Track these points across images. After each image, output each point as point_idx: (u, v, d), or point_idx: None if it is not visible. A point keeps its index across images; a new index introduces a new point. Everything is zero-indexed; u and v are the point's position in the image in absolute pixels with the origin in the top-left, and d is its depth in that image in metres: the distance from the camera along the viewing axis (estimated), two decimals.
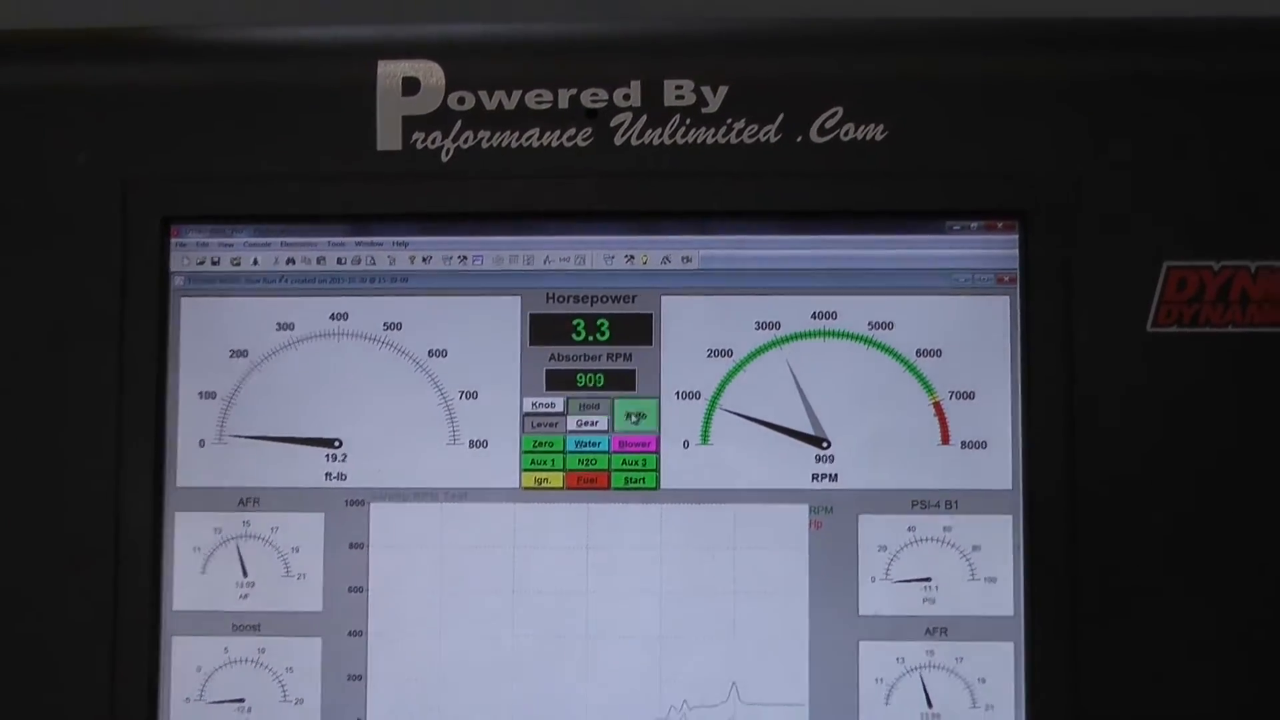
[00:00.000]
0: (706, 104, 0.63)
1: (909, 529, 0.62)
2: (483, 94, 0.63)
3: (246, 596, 0.62)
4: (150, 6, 0.72)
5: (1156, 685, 0.60)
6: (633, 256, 0.63)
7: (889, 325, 0.63)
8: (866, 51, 0.64)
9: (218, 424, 0.63)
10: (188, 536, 0.63)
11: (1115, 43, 0.63)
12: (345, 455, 0.63)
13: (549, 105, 0.63)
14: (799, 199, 0.62)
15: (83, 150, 0.62)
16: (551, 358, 0.63)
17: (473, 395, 0.63)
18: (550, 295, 0.63)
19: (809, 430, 0.62)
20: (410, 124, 0.63)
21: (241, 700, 0.62)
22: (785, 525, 0.62)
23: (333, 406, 0.63)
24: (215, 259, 0.64)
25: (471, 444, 0.63)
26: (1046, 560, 0.61)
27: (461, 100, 0.63)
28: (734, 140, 0.62)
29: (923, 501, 0.62)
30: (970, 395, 0.62)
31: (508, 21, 0.65)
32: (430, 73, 0.63)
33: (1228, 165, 0.62)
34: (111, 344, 0.62)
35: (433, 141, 0.63)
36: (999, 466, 0.62)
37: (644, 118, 0.63)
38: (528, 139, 0.63)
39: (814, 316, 0.63)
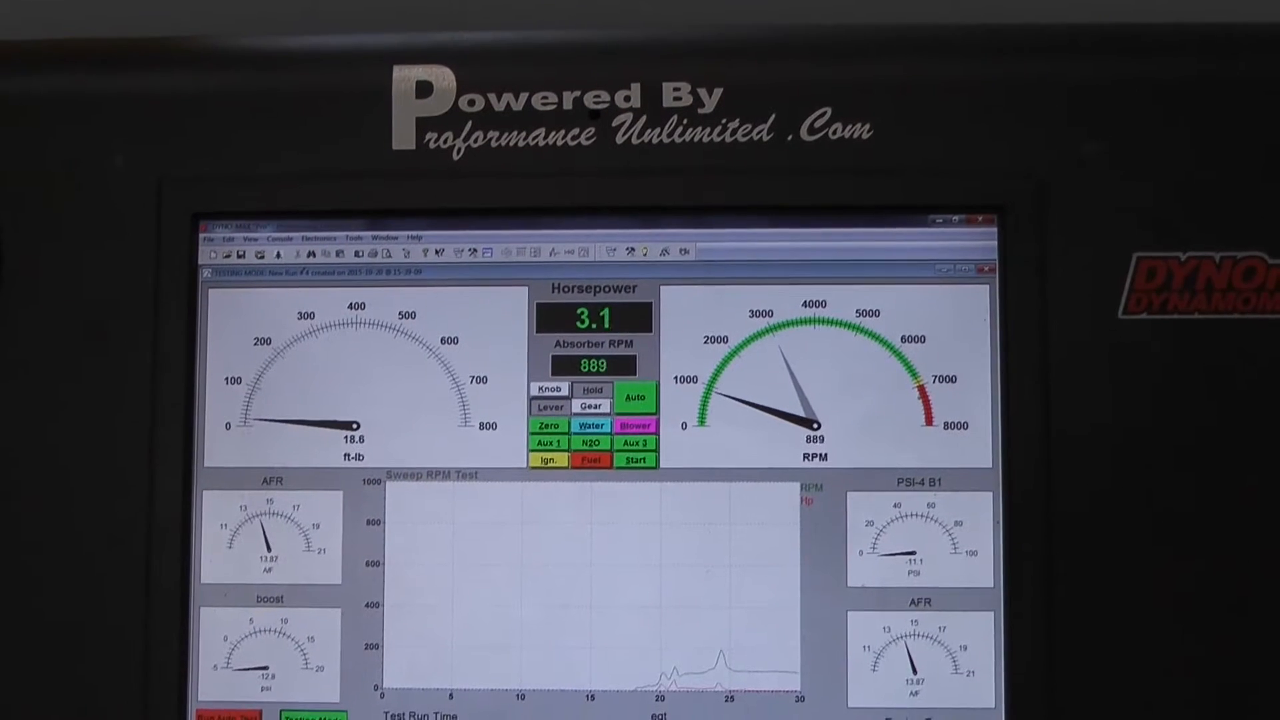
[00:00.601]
0: (703, 105, 0.64)
1: (895, 505, 0.64)
2: (492, 96, 0.64)
3: (270, 570, 0.64)
4: (182, 18, 0.73)
5: (1130, 654, 0.62)
6: (633, 249, 0.65)
7: (876, 313, 0.64)
8: (853, 56, 0.65)
9: (243, 408, 0.65)
10: (215, 513, 0.64)
11: (1088, 47, 0.65)
12: (363, 437, 0.64)
13: (554, 106, 0.64)
14: (790, 194, 0.64)
15: (119, 152, 0.64)
16: (557, 344, 0.65)
17: (483, 380, 0.65)
18: (556, 285, 0.65)
19: (800, 412, 0.64)
20: (424, 125, 0.64)
21: (266, 668, 0.64)
22: (778, 502, 0.64)
23: (351, 391, 0.65)
24: (241, 252, 0.66)
25: (481, 426, 0.64)
26: (1024, 534, 0.62)
27: (472, 102, 0.64)
28: (729, 139, 0.64)
29: (908, 479, 0.64)
30: (952, 379, 0.64)
31: (515, 28, 0.67)
32: (442, 77, 0.65)
33: (1194, 161, 0.63)
34: (145, 332, 0.64)
35: (445, 141, 0.64)
36: (980, 446, 0.64)
37: (644, 118, 0.64)
38: (534, 138, 0.64)
39: (805, 305, 0.64)
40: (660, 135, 0.64)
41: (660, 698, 0.63)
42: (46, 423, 0.64)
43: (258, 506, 0.65)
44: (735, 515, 0.64)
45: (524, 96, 0.65)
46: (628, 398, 0.65)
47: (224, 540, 0.65)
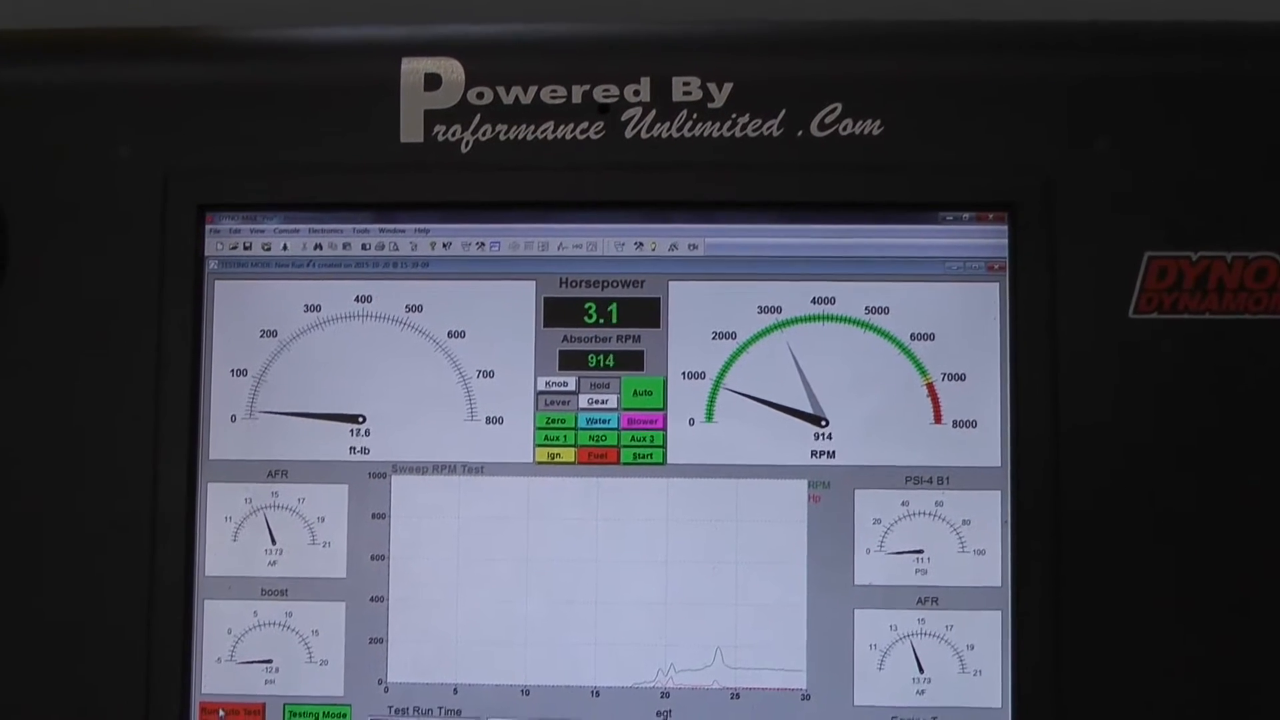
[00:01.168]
0: (713, 100, 0.64)
1: (902, 503, 0.63)
2: (500, 89, 0.64)
3: (275, 563, 0.64)
4: (190, 9, 0.73)
5: (1137, 653, 0.62)
6: (642, 244, 0.65)
7: (885, 310, 0.64)
8: (864, 51, 0.65)
9: (249, 400, 0.65)
10: (220, 506, 0.64)
11: (1101, 45, 0.65)
12: (368, 430, 0.64)
13: (563, 100, 0.64)
14: (800, 190, 0.64)
15: (126, 144, 0.64)
16: (564, 339, 0.64)
17: (489, 374, 0.64)
18: (563, 280, 0.65)
19: (808, 409, 0.64)
20: (432, 117, 0.64)
21: (270, 661, 0.64)
22: (785, 499, 0.64)
23: (357, 384, 0.64)
24: (247, 244, 0.65)
25: (488, 420, 0.64)
26: (1032, 534, 0.62)
27: (480, 95, 0.64)
28: (738, 134, 0.64)
29: (916, 477, 0.63)
30: (961, 377, 0.64)
31: (524, 21, 0.67)
32: (451, 69, 0.64)
33: (1206, 161, 0.63)
34: (150, 324, 0.64)
35: (453, 134, 0.64)
36: (988, 445, 0.63)
37: (653, 112, 0.64)
38: (543, 132, 0.64)
39: (814, 301, 0.64)
40: (670, 130, 0.64)
41: (665, 694, 0.63)
42: (51, 415, 0.64)
43: (262, 499, 0.64)
44: (742, 512, 0.64)
45: (533, 90, 0.64)
46: (635, 393, 0.64)
47: (228, 533, 0.64)
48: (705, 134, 0.64)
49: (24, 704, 0.63)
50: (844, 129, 0.64)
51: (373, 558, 0.64)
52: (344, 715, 0.64)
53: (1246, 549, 0.62)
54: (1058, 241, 0.63)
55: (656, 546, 0.64)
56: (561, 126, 0.64)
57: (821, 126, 0.64)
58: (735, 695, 0.63)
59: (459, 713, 0.64)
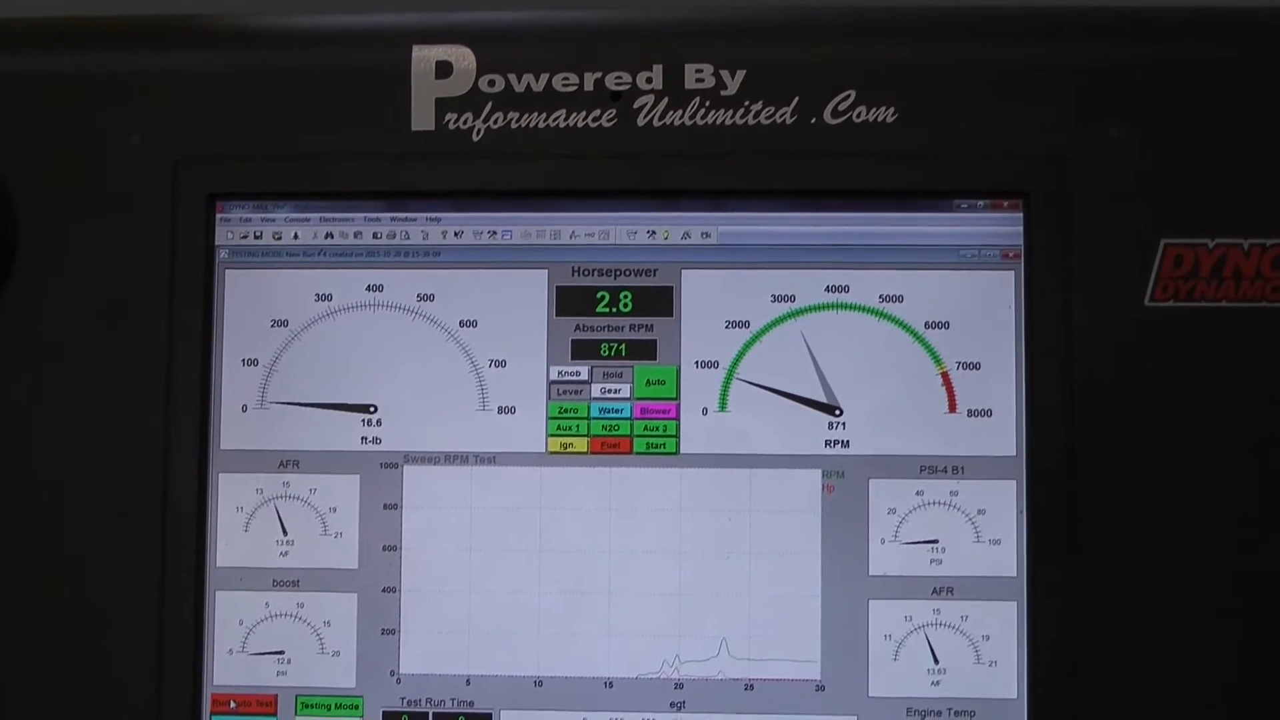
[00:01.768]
0: (725, 87, 0.64)
1: (917, 493, 0.63)
2: (512, 77, 0.64)
3: (286, 554, 0.64)
4: None
5: (1153, 644, 0.61)
6: (654, 232, 0.65)
7: (899, 298, 0.64)
8: (878, 37, 0.65)
9: (260, 390, 0.64)
10: (231, 496, 0.64)
11: (1116, 30, 0.65)
12: (380, 420, 0.64)
13: (575, 88, 0.64)
14: (813, 178, 0.63)
15: (136, 131, 0.64)
16: (577, 328, 0.64)
17: (501, 364, 0.64)
18: (576, 269, 0.65)
19: (822, 398, 0.64)
20: (443, 105, 0.64)
21: (281, 652, 0.64)
22: (799, 489, 0.63)
23: (368, 374, 0.64)
24: (258, 233, 0.65)
25: (500, 410, 0.64)
26: (1048, 524, 0.62)
27: (492, 83, 0.64)
28: (751, 122, 0.64)
29: (930, 467, 0.63)
30: (976, 366, 0.63)
31: (536, 8, 0.66)
32: (462, 57, 0.64)
33: (1223, 147, 0.63)
34: (160, 314, 0.63)
35: (464, 122, 0.64)
36: (1003, 434, 0.63)
37: (665, 100, 0.64)
38: (555, 120, 0.64)
39: (827, 290, 0.64)
40: (682, 117, 0.64)
41: (679, 685, 0.63)
42: (62, 405, 0.64)
43: (274, 490, 0.64)
44: (756, 502, 0.64)
45: (545, 77, 0.64)
46: (648, 382, 0.64)
47: (240, 523, 0.64)
48: (718, 122, 0.64)
49: (36, 695, 0.63)
50: (857, 116, 0.64)
51: (385, 548, 0.64)
52: (356, 706, 0.64)
53: (1265, 540, 0.62)
54: (1073, 229, 0.63)
55: (669, 537, 0.64)
56: (573, 114, 0.64)
57: (835, 114, 0.64)
58: (749, 686, 0.63)
59: (471, 704, 0.63)
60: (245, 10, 0.68)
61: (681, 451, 0.64)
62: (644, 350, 0.64)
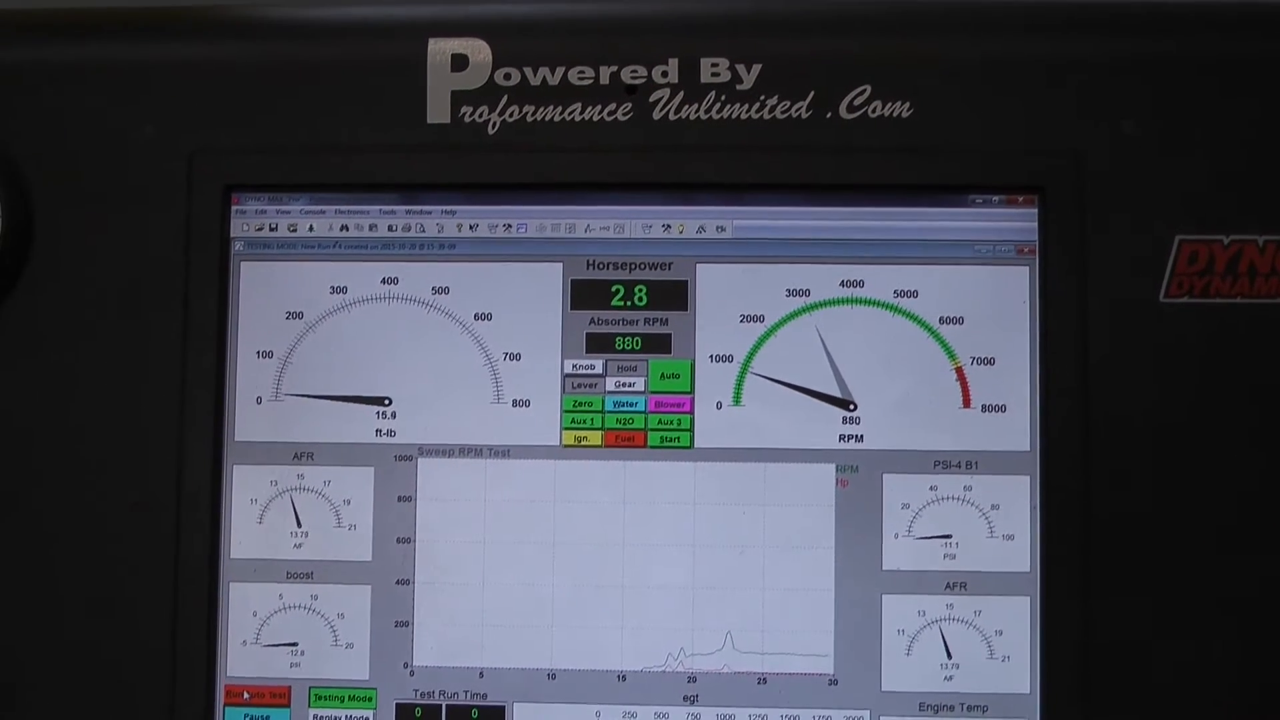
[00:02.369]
0: (741, 81, 0.64)
1: (931, 488, 0.63)
2: (528, 70, 0.64)
3: (300, 546, 0.64)
4: None
5: (1166, 640, 0.61)
6: (669, 226, 0.65)
7: (914, 293, 0.64)
8: (893, 32, 0.65)
9: (274, 382, 0.64)
10: (245, 488, 0.64)
11: (1131, 25, 0.65)
12: (395, 413, 0.64)
13: (591, 81, 0.64)
14: (828, 173, 0.63)
15: (151, 123, 0.64)
16: (591, 321, 0.64)
17: (516, 357, 0.64)
18: (591, 262, 0.64)
19: (836, 393, 0.64)
20: (459, 98, 0.64)
21: (295, 644, 0.64)
22: (813, 483, 0.63)
23: (383, 366, 0.64)
24: (273, 225, 0.65)
25: (515, 403, 0.64)
26: (1062, 519, 0.62)
27: (508, 76, 0.64)
28: (767, 116, 0.64)
29: (944, 462, 0.63)
30: (991, 361, 0.63)
31: (552, 2, 0.66)
32: (478, 50, 0.64)
33: (1238, 143, 0.63)
34: (175, 305, 0.63)
35: (480, 115, 0.64)
36: (1017, 429, 0.63)
37: (681, 94, 0.64)
38: (570, 113, 0.64)
39: (842, 284, 0.64)
40: (698, 111, 0.64)
41: (692, 679, 0.63)
42: (76, 396, 0.64)
43: (288, 482, 0.64)
44: (769, 496, 0.64)
45: (560, 71, 0.64)
46: (662, 376, 0.64)
47: (254, 515, 0.64)
48: (733, 116, 0.64)
49: (50, 687, 0.63)
50: (873, 111, 0.64)
51: (399, 540, 0.64)
52: (369, 698, 0.64)
53: (1277, 534, 0.62)
54: (1088, 225, 0.63)
55: (683, 530, 0.64)
56: (589, 108, 0.64)
57: (850, 108, 0.64)
58: (762, 680, 0.63)
59: (485, 696, 0.63)
60: (261, 2, 0.68)
61: (695, 445, 0.64)
62: (658, 344, 0.64)
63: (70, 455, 0.63)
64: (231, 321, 0.65)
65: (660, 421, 0.64)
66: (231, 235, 0.65)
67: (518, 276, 0.65)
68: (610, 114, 0.64)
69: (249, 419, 0.65)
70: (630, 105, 0.64)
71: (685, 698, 0.63)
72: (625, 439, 0.64)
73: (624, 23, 0.66)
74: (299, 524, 0.64)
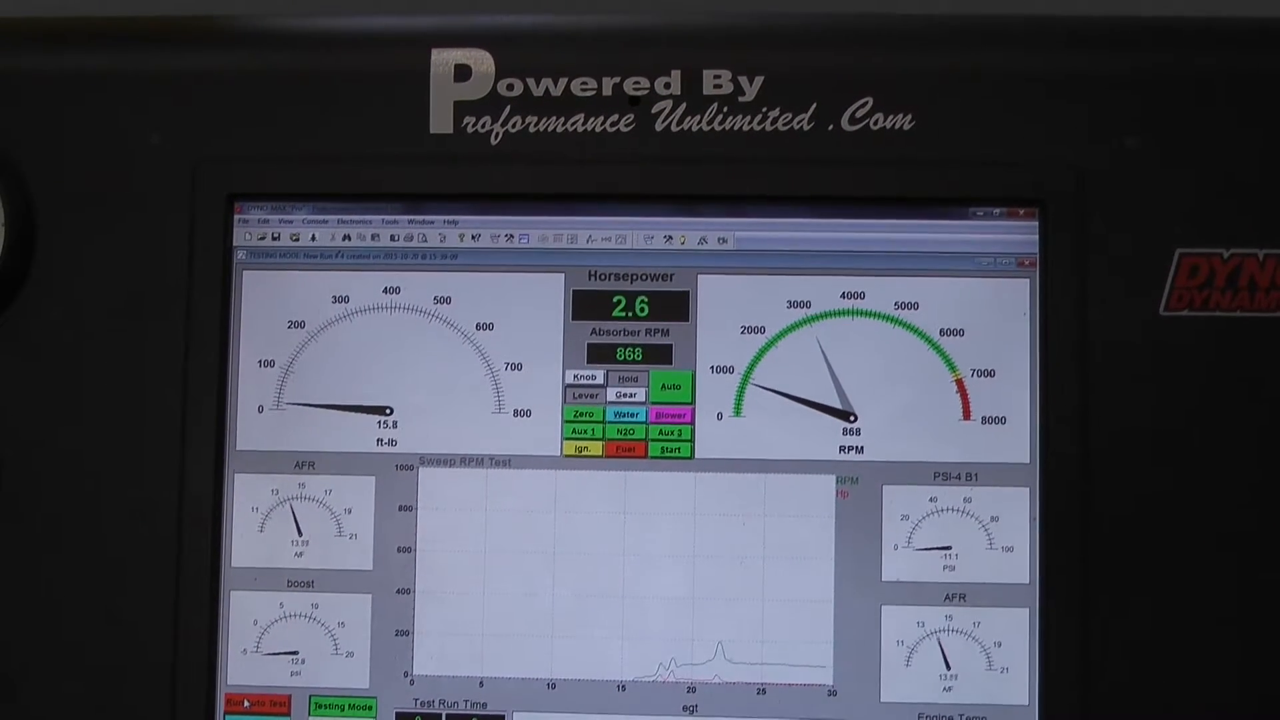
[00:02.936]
0: (743, 93, 0.64)
1: (931, 499, 0.63)
2: (530, 81, 0.64)
3: (301, 555, 0.64)
4: None
5: (1166, 652, 0.61)
6: (671, 237, 0.65)
7: (914, 305, 0.64)
8: (896, 45, 0.65)
9: (276, 391, 0.65)
10: (247, 497, 0.64)
11: (1132, 41, 0.65)
12: (396, 422, 0.64)
13: (593, 92, 0.64)
14: (830, 184, 0.64)
15: (156, 132, 0.64)
16: (593, 332, 0.64)
17: (517, 367, 0.64)
18: (592, 273, 0.65)
19: (837, 404, 0.64)
20: (461, 109, 0.64)
21: (295, 652, 0.64)
22: (813, 494, 0.63)
23: (384, 376, 0.64)
24: (276, 234, 0.65)
25: (516, 413, 0.64)
26: (1061, 531, 0.62)
27: (510, 87, 0.64)
28: (769, 128, 0.64)
29: (944, 473, 0.63)
30: (991, 373, 0.64)
31: (555, 13, 0.66)
32: (481, 60, 0.64)
33: (1238, 158, 0.63)
34: (178, 314, 0.63)
35: (483, 125, 0.64)
36: (1017, 441, 0.63)
37: (684, 105, 0.64)
38: (573, 124, 0.64)
39: (843, 296, 0.64)
40: (700, 123, 0.64)
41: (692, 689, 0.63)
42: (79, 403, 0.64)
43: (289, 490, 0.64)
44: (770, 507, 0.64)
45: (563, 82, 0.64)
46: (663, 387, 0.64)
47: (255, 524, 0.64)
48: (736, 127, 0.64)
49: (52, 694, 0.63)
50: (875, 123, 0.64)
51: (399, 550, 0.64)
52: (369, 707, 0.64)
53: (1274, 547, 0.62)
54: (1088, 238, 0.63)
55: (683, 541, 0.64)
56: (591, 119, 0.64)
57: (852, 120, 0.64)
58: (761, 690, 0.63)
59: (484, 706, 0.63)
60: (265, 12, 0.68)
61: (696, 456, 0.64)
62: (660, 355, 0.64)
63: (73, 462, 0.63)
64: (233, 330, 0.65)
65: (661, 432, 0.64)
66: (234, 244, 0.65)
67: (519, 286, 0.65)
68: (613, 125, 0.64)
69: (250, 428, 0.65)
70: (633, 116, 0.64)
71: (685, 708, 0.63)
72: (626, 449, 0.64)
73: (627, 34, 0.66)
74: (300, 533, 0.64)
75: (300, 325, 0.65)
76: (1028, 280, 0.64)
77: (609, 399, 0.64)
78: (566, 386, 0.64)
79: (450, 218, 0.65)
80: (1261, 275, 0.63)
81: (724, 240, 0.65)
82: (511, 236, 0.65)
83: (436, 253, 0.65)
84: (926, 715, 0.63)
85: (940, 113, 0.64)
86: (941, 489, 0.63)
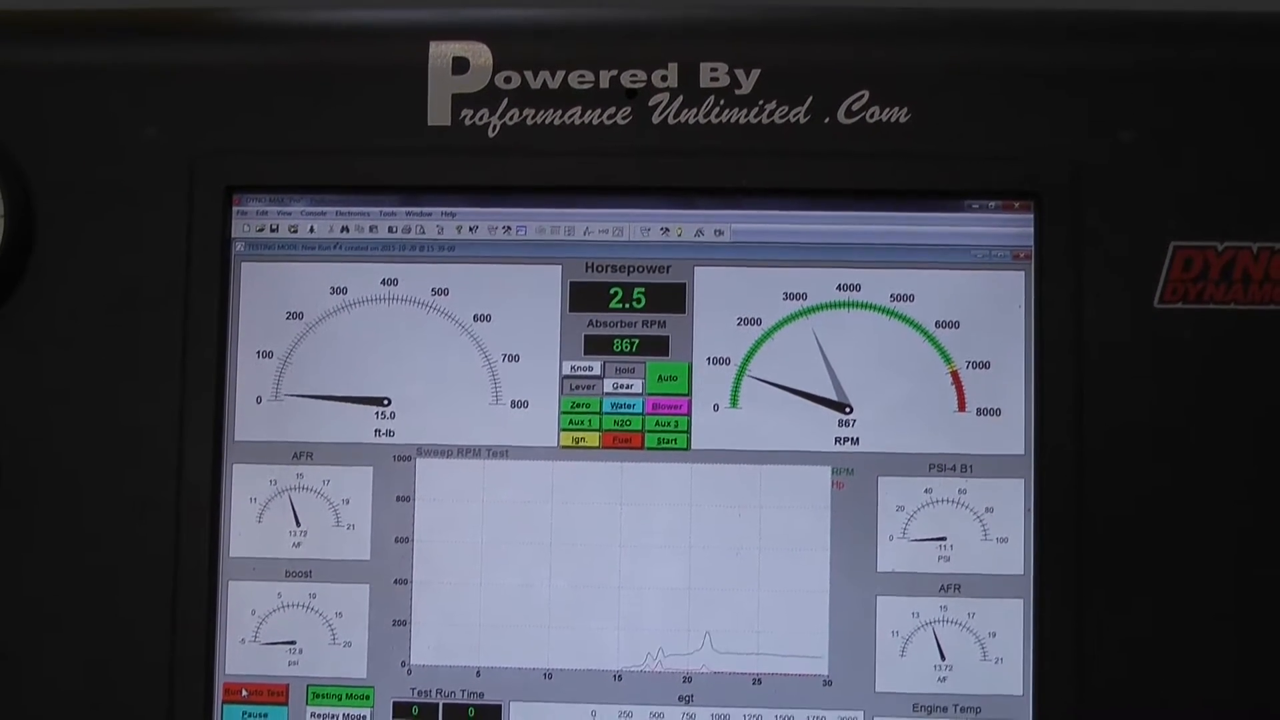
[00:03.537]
0: (740, 86, 0.64)
1: (926, 491, 0.63)
2: (528, 74, 0.64)
3: (299, 545, 0.64)
4: None
5: (1160, 643, 0.62)
6: (668, 229, 0.65)
7: (910, 298, 0.64)
8: (892, 38, 0.65)
9: (274, 382, 0.65)
10: (245, 487, 0.64)
11: (1127, 34, 0.65)
12: (394, 413, 0.64)
13: (590, 85, 0.64)
14: (826, 177, 0.64)
15: (153, 124, 0.64)
16: (590, 323, 0.65)
17: (514, 358, 0.65)
18: (589, 264, 0.65)
19: (833, 396, 0.64)
20: (459, 101, 0.64)
21: (293, 642, 0.64)
22: (809, 485, 0.64)
23: (382, 367, 0.64)
24: (274, 226, 0.65)
25: (513, 404, 0.64)
26: (1055, 522, 0.62)
27: (508, 79, 0.64)
28: (765, 121, 0.64)
29: (939, 465, 0.64)
30: (986, 365, 0.64)
31: (552, 6, 0.67)
32: (479, 53, 0.64)
33: (1232, 151, 0.63)
34: (176, 305, 0.64)
35: (480, 118, 0.64)
36: (1012, 433, 0.63)
37: (680, 98, 0.64)
38: (570, 117, 0.64)
39: (839, 288, 0.64)
40: (697, 116, 0.64)
41: (688, 679, 0.63)
42: (78, 395, 0.64)
43: (287, 481, 0.65)
44: (766, 498, 0.64)
45: (560, 75, 0.64)
46: (660, 378, 0.65)
47: (253, 514, 0.64)
48: (732, 120, 0.64)
49: (50, 683, 0.63)
50: (871, 116, 0.64)
51: (397, 540, 0.64)
52: (367, 697, 0.64)
53: (1270, 540, 0.62)
54: (1083, 231, 0.63)
55: (679, 531, 0.64)
56: (589, 111, 0.64)
57: (848, 113, 0.64)
58: (757, 680, 0.63)
59: (481, 695, 0.64)
60: (262, 5, 0.69)
61: (692, 447, 0.64)
62: (656, 346, 0.65)
63: (71, 454, 0.64)
64: (232, 322, 0.65)
65: (658, 423, 0.64)
66: (232, 236, 0.65)
67: (517, 278, 0.65)
68: (610, 118, 0.64)
69: (249, 419, 0.65)
70: (630, 109, 0.64)
71: (680, 697, 0.63)
72: (623, 440, 0.64)
73: (624, 27, 0.66)
74: (298, 523, 0.64)
75: (298, 317, 0.65)
76: (1023, 273, 0.64)
77: (606, 390, 0.64)
78: (563, 378, 0.65)
79: (448, 210, 0.65)
80: (1255, 268, 0.63)
81: (720, 232, 0.65)
82: (509, 228, 0.65)
83: (434, 244, 0.65)
84: (921, 705, 0.63)
85: (936, 106, 0.64)
86: (936, 480, 0.64)
